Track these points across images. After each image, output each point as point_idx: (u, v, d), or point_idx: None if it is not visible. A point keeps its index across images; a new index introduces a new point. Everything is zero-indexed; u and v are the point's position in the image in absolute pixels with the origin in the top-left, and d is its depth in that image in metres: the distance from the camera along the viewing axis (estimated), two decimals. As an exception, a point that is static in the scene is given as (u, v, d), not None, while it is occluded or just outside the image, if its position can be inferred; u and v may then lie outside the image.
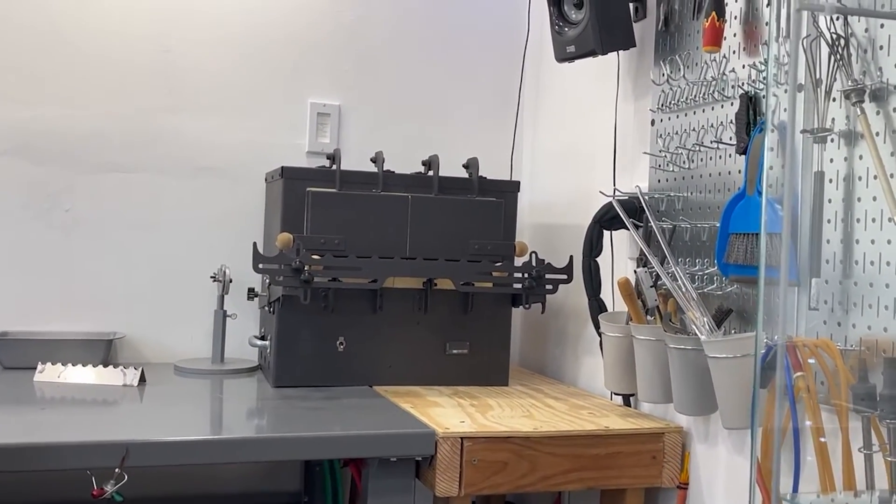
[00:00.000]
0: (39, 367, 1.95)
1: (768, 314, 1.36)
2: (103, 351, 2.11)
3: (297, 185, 1.98)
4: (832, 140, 1.37)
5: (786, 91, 1.44)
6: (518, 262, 2.09)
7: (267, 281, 2.04)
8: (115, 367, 1.97)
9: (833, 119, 1.37)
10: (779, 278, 1.26)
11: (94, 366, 1.98)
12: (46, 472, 1.48)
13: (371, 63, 2.44)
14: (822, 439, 1.34)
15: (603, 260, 1.95)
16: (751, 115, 1.56)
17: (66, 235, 2.21)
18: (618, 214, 1.80)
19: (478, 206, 2.05)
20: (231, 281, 2.21)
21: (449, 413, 1.76)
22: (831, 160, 1.37)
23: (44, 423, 1.59)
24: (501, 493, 2.12)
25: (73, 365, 1.97)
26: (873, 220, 1.30)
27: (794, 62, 1.25)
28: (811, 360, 1.35)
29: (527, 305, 2.07)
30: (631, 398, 1.92)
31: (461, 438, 1.61)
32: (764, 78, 1.53)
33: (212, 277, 2.22)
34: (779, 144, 1.46)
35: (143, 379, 1.96)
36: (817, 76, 1.37)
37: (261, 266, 1.89)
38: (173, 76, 2.29)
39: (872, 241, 1.30)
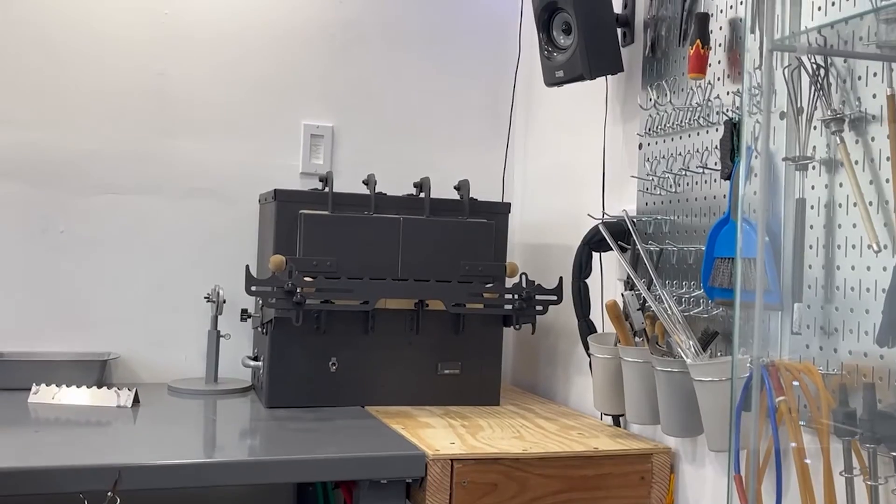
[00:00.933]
0: (34, 388, 1.97)
1: (749, 337, 1.39)
2: (98, 372, 2.13)
3: (289, 207, 2.00)
4: (813, 167, 1.40)
5: (757, 122, 1.47)
6: (509, 282, 2.11)
7: (260, 302, 2.06)
8: (109, 388, 1.99)
9: (814, 147, 1.39)
10: (754, 302, 1.29)
11: (88, 386, 1.99)
12: (39, 496, 1.48)
13: (364, 85, 2.47)
14: (806, 461, 1.36)
15: (593, 281, 1.98)
16: (735, 141, 1.59)
17: (60, 256, 2.23)
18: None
19: (469, 228, 2.08)
20: (225, 301, 2.23)
21: (440, 434, 1.78)
22: (812, 187, 1.40)
23: (37, 446, 1.61)
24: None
25: (67, 386, 1.98)
26: (853, 246, 1.33)
27: (766, 97, 1.29)
28: (795, 383, 1.38)
29: (517, 326, 2.09)
30: (620, 419, 1.93)
31: (451, 460, 1.63)
32: (738, 108, 1.56)
33: (206, 298, 2.24)
34: (761, 171, 1.49)
35: (136, 400, 1.97)
36: (799, 104, 1.40)
37: (253, 288, 1.91)
38: (167, 99, 2.31)
39: (853, 268, 1.32)
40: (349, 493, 1.77)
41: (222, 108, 2.36)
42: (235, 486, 2.18)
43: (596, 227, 1.88)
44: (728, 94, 1.64)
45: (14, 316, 2.19)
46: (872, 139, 1.30)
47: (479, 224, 2.09)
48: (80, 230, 2.25)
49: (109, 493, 1.44)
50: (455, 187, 2.14)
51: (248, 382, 2.23)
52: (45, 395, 1.96)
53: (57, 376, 2.03)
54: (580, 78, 1.92)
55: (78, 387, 1.98)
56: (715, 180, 1.67)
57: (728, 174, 1.58)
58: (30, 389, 1.97)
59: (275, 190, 2.02)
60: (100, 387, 2.02)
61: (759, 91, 1.41)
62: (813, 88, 1.38)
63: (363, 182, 2.08)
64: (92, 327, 2.25)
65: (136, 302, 2.28)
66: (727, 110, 1.62)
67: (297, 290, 1.90)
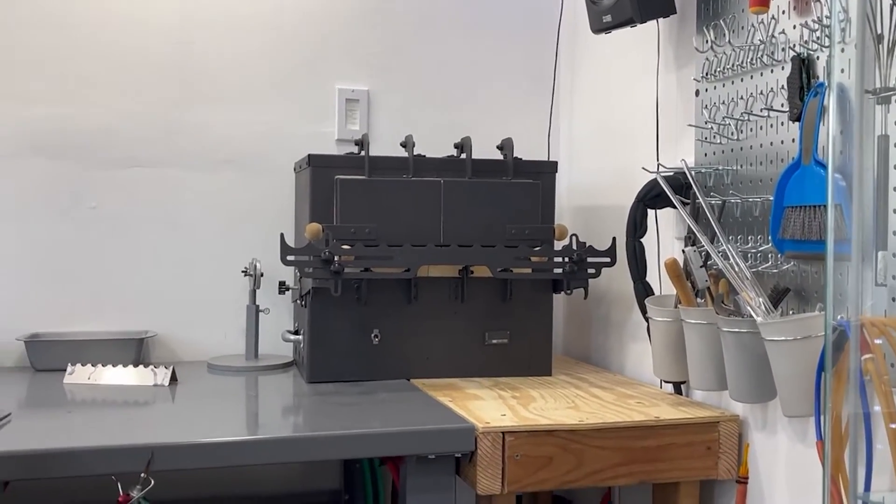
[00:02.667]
0: (69, 368, 1.91)
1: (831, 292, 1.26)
2: (134, 350, 2.07)
3: (325, 173, 1.90)
4: (897, 100, 1.26)
5: (842, 50, 1.33)
6: (558, 245, 1.99)
7: (298, 274, 1.97)
8: (146, 367, 1.92)
9: (897, 77, 1.25)
10: (843, 253, 1.16)
11: (125, 366, 1.93)
12: (71, 479, 1.42)
13: (399, 45, 2.36)
14: (894, 425, 1.23)
15: (648, 241, 1.85)
16: (804, 78, 1.45)
17: (92, 234, 2.17)
18: (662, 192, 1.70)
19: (514, 189, 1.96)
20: (262, 275, 2.15)
21: (489, 406, 1.68)
22: (896, 122, 1.26)
23: (69, 428, 1.54)
24: (547, 490, 2.04)
25: (103, 365, 1.92)
26: (946, 185, 1.19)
27: (860, 17, 1.14)
28: (878, 341, 1.25)
29: (568, 291, 1.97)
30: (682, 386, 1.81)
31: (503, 433, 1.52)
32: (818, 38, 1.42)
33: (243, 272, 2.16)
34: (837, 108, 1.35)
35: (174, 378, 1.90)
36: (878, 31, 1.26)
37: (289, 258, 1.82)
38: (196, 68, 2.23)
39: (946, 209, 1.19)
40: (396, 469, 1.68)
41: (254, 76, 2.26)
42: (279, 464, 2.11)
43: (651, 182, 1.75)
44: (794, 27, 1.49)
45: (48, 296, 2.13)
46: (967, 63, 1.16)
47: (524, 185, 1.97)
48: (111, 205, 2.18)
49: (143, 475, 1.37)
50: (498, 147, 2.02)
51: (290, 357, 2.15)
52: (80, 375, 1.90)
53: (93, 356, 1.97)
54: (629, 22, 1.78)
55: (114, 366, 1.92)
56: (782, 123, 1.53)
57: (798, 115, 1.45)
58: (65, 370, 1.91)
59: (309, 155, 1.93)
60: (136, 366, 1.95)
61: (838, 19, 1.27)
62: (895, 12, 1.23)
63: (401, 144, 1.98)
64: (127, 305, 2.18)
65: (172, 278, 2.21)
66: (794, 45, 1.48)
67: (335, 259, 1.80)
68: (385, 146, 2.14)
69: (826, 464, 1.19)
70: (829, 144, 1.24)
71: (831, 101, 1.24)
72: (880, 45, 1.26)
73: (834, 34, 1.24)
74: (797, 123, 1.45)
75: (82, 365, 1.92)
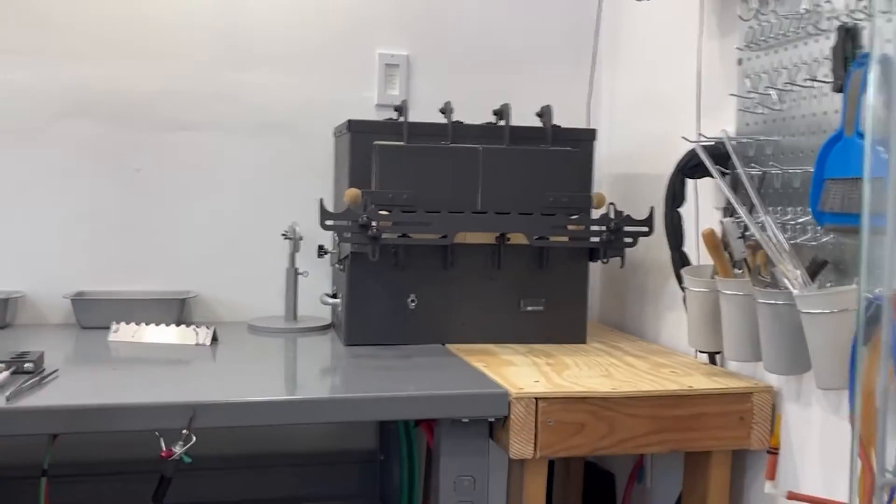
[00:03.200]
0: (114, 326, 1.96)
1: (869, 265, 1.25)
2: (177, 310, 2.11)
3: (364, 138, 1.92)
4: (944, 72, 1.23)
5: (889, 20, 1.30)
6: (595, 214, 1.99)
7: (336, 238, 2.00)
8: (188, 327, 1.97)
9: (945, 48, 1.23)
10: (884, 227, 1.15)
11: (167, 325, 1.97)
12: (116, 433, 1.47)
13: (439, 10, 2.35)
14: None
15: (686, 211, 1.84)
16: (849, 48, 1.42)
17: (137, 196, 2.21)
18: (702, 162, 1.69)
19: (552, 157, 1.96)
20: (301, 238, 2.18)
21: (523, 372, 1.70)
22: (943, 94, 1.24)
23: (114, 384, 1.59)
24: (579, 456, 2.06)
25: (146, 324, 1.97)
26: None
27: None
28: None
29: (605, 260, 1.98)
30: (717, 356, 1.81)
31: (535, 399, 1.54)
32: (866, 6, 1.39)
33: (283, 235, 2.19)
34: (882, 80, 1.33)
35: (215, 338, 1.95)
36: (927, 1, 1.23)
37: (328, 223, 1.84)
38: (237, 31, 2.24)
39: None
40: (430, 431, 1.71)
41: (294, 40, 2.28)
42: (316, 423, 2.15)
43: (691, 151, 1.74)
44: (841, -4, 1.47)
45: (93, 255, 2.18)
46: None
47: (563, 152, 1.97)
48: (154, 168, 2.22)
49: (185, 431, 1.41)
50: (537, 114, 2.02)
51: (328, 320, 2.18)
52: (125, 333, 1.95)
53: (137, 315, 2.02)
54: (672, -11, 1.76)
55: (157, 325, 1.97)
56: (825, 94, 1.51)
57: (841, 86, 1.42)
58: (110, 328, 1.96)
59: (348, 121, 1.94)
60: (178, 325, 1.99)
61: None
62: (945, -19, 1.21)
63: (440, 111, 1.98)
64: (170, 266, 2.23)
65: (213, 240, 2.25)
66: (839, 15, 1.45)
67: (373, 224, 1.82)
68: (424, 111, 2.14)
69: (854, 436, 1.19)
70: (870, 116, 1.22)
71: (873, 73, 1.21)
72: (928, 16, 1.24)
73: (876, 3, 1.22)
74: (840, 94, 1.43)
75: (126, 323, 1.97)
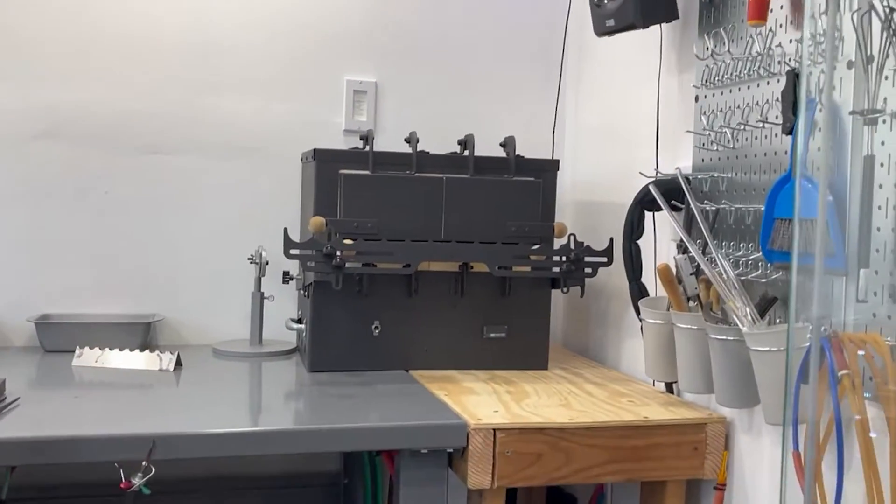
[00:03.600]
0: (77, 351, 1.97)
1: (811, 304, 1.29)
2: (142, 334, 2.12)
3: (329, 167, 1.94)
4: (884, 121, 1.28)
5: (822, 72, 1.35)
6: (557, 243, 2.03)
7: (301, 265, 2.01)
8: (152, 351, 1.98)
9: (885, 99, 1.28)
10: (831, 268, 1.19)
11: (132, 349, 1.98)
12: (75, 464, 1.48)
13: (408, 38, 2.38)
14: (872, 434, 1.27)
15: (645, 242, 1.88)
16: (797, 92, 1.47)
17: (104, 217, 2.22)
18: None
19: (515, 187, 1.99)
20: (268, 263, 2.19)
21: (483, 401, 1.72)
22: (882, 143, 1.28)
23: (75, 413, 1.60)
24: (537, 485, 2.09)
25: (110, 349, 1.97)
26: (928, 207, 1.22)
27: (829, 38, 1.16)
28: (860, 353, 1.28)
29: (565, 289, 2.01)
30: (673, 385, 1.85)
31: (494, 430, 1.57)
32: (811, 54, 1.44)
33: (249, 259, 2.20)
34: (824, 125, 1.38)
35: (179, 363, 1.96)
36: (868, 52, 1.28)
37: (292, 252, 1.86)
38: (208, 56, 2.26)
39: (926, 231, 1.22)
40: (391, 460, 1.73)
41: (264, 66, 2.30)
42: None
43: (648, 185, 1.78)
44: (791, 42, 1.51)
45: (58, 278, 2.19)
46: (952, 90, 1.18)
47: (525, 182, 2.00)
48: (123, 191, 2.23)
49: (144, 463, 1.42)
50: (501, 144, 2.05)
51: (293, 344, 2.20)
52: (88, 357, 1.96)
53: (101, 338, 2.02)
54: (632, 27, 1.80)
55: (122, 349, 1.98)
56: (776, 135, 1.55)
57: (790, 129, 1.47)
58: (74, 352, 1.97)
59: (314, 149, 1.97)
60: (144, 349, 2.00)
61: (824, 37, 1.29)
62: (885, 34, 1.26)
63: (405, 140, 2.01)
64: (136, 289, 2.24)
65: (181, 263, 2.26)
66: (790, 60, 1.50)
67: (337, 254, 1.84)
68: (392, 137, 2.18)
69: (783, 471, 1.22)
70: (798, 160, 1.27)
71: (803, 118, 1.26)
72: (870, 66, 1.28)
73: (804, 52, 1.26)
74: (789, 136, 1.47)
75: (90, 348, 1.97)
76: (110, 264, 2.22)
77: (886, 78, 1.27)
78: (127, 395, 1.76)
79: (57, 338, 2.08)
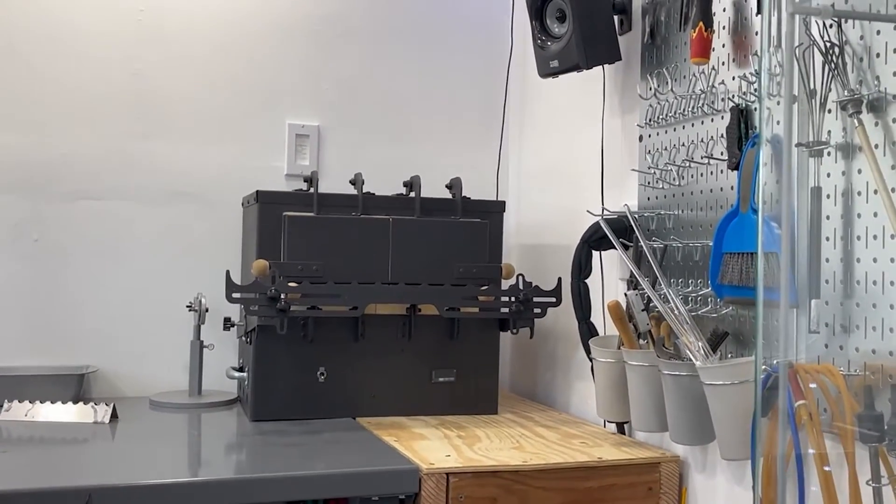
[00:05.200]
0: (6, 405, 1.87)
1: (766, 337, 1.29)
2: (75, 386, 2.03)
3: (272, 209, 1.90)
4: (829, 153, 1.30)
5: (778, 103, 1.38)
6: (505, 285, 2.01)
7: (244, 310, 1.96)
8: (86, 404, 1.89)
9: (829, 131, 1.30)
10: (778, 300, 1.19)
11: (64, 402, 1.89)
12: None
13: (350, 82, 2.37)
14: (827, 468, 1.26)
15: (593, 281, 1.88)
16: (742, 128, 1.49)
17: (34, 266, 2.13)
18: (606, 234, 1.73)
19: (462, 228, 1.98)
20: (207, 310, 2.12)
21: (434, 446, 1.68)
22: (828, 175, 1.30)
23: (4, 469, 1.50)
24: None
25: (41, 402, 1.88)
26: (874, 236, 1.23)
27: (788, 70, 1.18)
28: (813, 385, 1.28)
29: (514, 331, 1.99)
30: (625, 425, 1.83)
31: (447, 474, 1.53)
32: (756, 90, 1.46)
33: (188, 307, 2.14)
34: (773, 159, 1.40)
35: (115, 415, 1.87)
36: (811, 86, 1.31)
37: (234, 295, 1.81)
38: (144, 100, 2.21)
39: (874, 260, 1.23)
40: (340, 510, 1.66)
41: (203, 109, 2.26)
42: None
43: (595, 224, 1.78)
44: (734, 78, 1.54)
45: (-14, 329, 2.09)
46: (893, 121, 1.21)
47: (472, 224, 1.99)
48: (55, 238, 2.14)
49: (79, 518, 1.34)
50: (447, 186, 2.04)
51: (234, 394, 2.13)
52: (17, 411, 1.86)
53: (31, 392, 1.93)
54: (576, 68, 1.82)
55: (53, 402, 1.88)
56: (721, 171, 1.57)
57: (735, 164, 1.49)
58: (2, 406, 1.87)
59: (257, 191, 1.93)
60: (77, 402, 1.91)
61: (771, 73, 1.31)
62: (826, 69, 1.28)
63: (350, 182, 1.98)
64: (69, 340, 2.14)
65: (115, 312, 2.18)
66: (733, 96, 1.53)
67: (281, 297, 1.79)
68: (335, 181, 2.15)
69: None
70: (760, 194, 1.28)
71: (762, 151, 1.28)
72: (813, 100, 1.31)
73: (762, 90, 1.28)
74: (735, 172, 1.49)
75: (20, 401, 1.88)
76: (41, 315, 2.13)
77: (829, 111, 1.29)
78: (60, 449, 1.67)
79: (-18, 392, 1.97)
